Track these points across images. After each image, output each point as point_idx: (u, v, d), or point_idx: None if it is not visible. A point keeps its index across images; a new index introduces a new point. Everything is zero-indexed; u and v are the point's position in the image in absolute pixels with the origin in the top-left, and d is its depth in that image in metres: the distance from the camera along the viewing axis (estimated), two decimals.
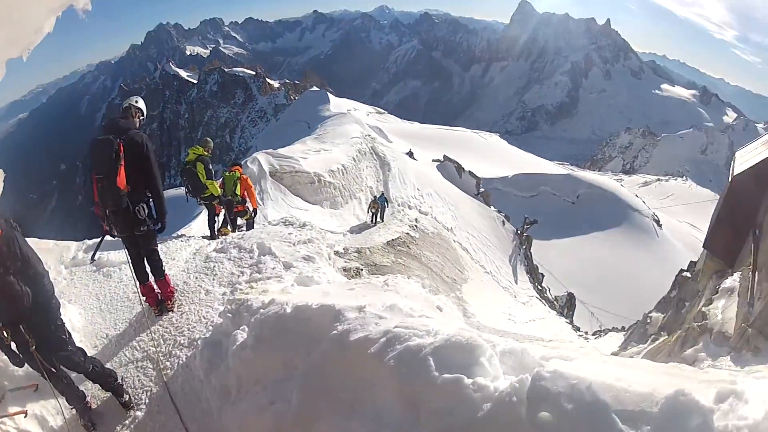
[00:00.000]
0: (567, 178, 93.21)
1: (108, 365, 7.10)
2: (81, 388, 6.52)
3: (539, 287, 50.30)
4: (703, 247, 13.85)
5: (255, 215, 17.92)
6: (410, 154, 70.03)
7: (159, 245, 9.02)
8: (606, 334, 33.60)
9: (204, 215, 22.20)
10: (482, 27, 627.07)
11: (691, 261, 23.13)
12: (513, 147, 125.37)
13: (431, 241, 36.38)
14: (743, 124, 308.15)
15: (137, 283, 8.42)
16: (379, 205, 36.59)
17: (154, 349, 7.65)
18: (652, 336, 16.21)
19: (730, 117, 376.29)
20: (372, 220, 36.35)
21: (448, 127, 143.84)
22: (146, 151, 7.32)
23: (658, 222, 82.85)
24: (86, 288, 9.96)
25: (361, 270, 17.01)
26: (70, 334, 6.11)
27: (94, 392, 6.94)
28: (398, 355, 4.14)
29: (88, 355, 6.47)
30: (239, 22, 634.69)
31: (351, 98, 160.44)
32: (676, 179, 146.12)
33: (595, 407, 3.10)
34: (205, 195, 14.81)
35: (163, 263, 8.76)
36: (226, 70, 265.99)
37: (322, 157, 44.13)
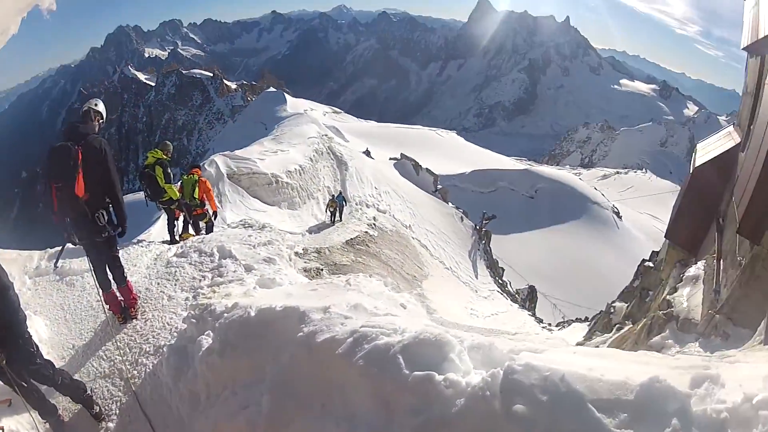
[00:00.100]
0: (525, 173, 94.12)
1: (76, 376, 7.04)
2: (52, 401, 6.41)
3: (500, 281, 50.64)
4: (665, 237, 13.98)
5: (215, 218, 17.80)
6: (367, 152, 70.07)
7: (119, 251, 8.85)
8: (570, 325, 33.69)
9: (163, 220, 21.97)
10: (440, 25, 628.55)
11: (653, 251, 23.37)
12: (470, 144, 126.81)
13: (390, 239, 36.66)
14: (705, 116, 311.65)
15: (100, 291, 8.33)
16: (337, 204, 36.79)
17: (121, 359, 7.57)
18: (617, 325, 16.34)
19: (691, 110, 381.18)
20: (331, 220, 36.44)
21: (405, 125, 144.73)
22: (104, 157, 7.22)
23: (618, 214, 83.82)
24: (50, 298, 9.79)
25: (322, 270, 17.03)
26: (37, 347, 6.00)
27: (65, 405, 6.81)
28: (367, 354, 4.15)
29: (57, 367, 6.34)
30: (198, 24, 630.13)
31: (308, 98, 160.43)
32: (635, 172, 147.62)
33: (570, 398, 3.13)
34: (164, 199, 14.71)
35: (125, 270, 8.69)
36: (184, 72, 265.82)
37: (279, 158, 44.03)
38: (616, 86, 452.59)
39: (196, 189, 16.24)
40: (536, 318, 39.79)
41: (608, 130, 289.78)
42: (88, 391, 6.70)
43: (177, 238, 15.42)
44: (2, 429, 6.02)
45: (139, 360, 7.50)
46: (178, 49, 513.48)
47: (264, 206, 35.87)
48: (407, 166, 66.54)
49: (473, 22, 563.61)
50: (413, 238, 43.16)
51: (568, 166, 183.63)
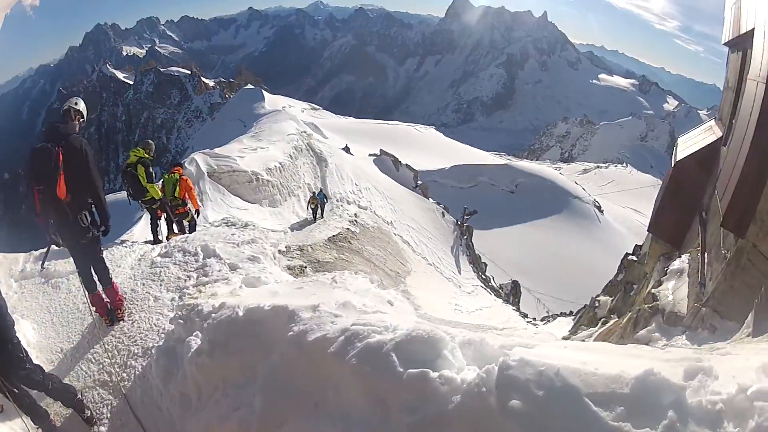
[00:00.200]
0: (505, 168, 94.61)
1: (66, 380, 7.01)
2: (43, 406, 6.34)
3: (483, 276, 50.65)
4: (648, 230, 14.05)
5: (198, 216, 17.78)
6: (346, 149, 70.11)
7: (104, 252, 8.83)
8: (554, 319, 33.66)
9: (145, 219, 22.04)
10: (417, 21, 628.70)
11: (636, 245, 23.47)
12: (449, 139, 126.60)
13: (372, 236, 36.62)
14: (685, 111, 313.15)
15: (86, 293, 8.29)
16: (318, 201, 36.69)
17: (110, 362, 7.54)
18: (602, 319, 16.40)
19: (671, 104, 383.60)
20: (312, 217, 36.38)
21: (384, 121, 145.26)
22: (85, 157, 7.19)
23: (599, 208, 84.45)
24: (37, 301, 9.74)
25: (305, 268, 16.94)
26: (26, 352, 5.94)
27: (56, 409, 6.76)
28: (359, 353, 4.15)
29: (46, 371, 6.28)
30: (175, 21, 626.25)
31: (286, 95, 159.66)
32: (616, 166, 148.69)
33: (566, 392, 3.13)
34: (147, 198, 14.64)
35: (110, 271, 8.66)
36: (162, 70, 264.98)
37: (259, 156, 43.81)
38: (594, 81, 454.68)
39: (177, 188, 16.19)
40: (521, 313, 39.65)
41: (588, 124, 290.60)
42: (79, 395, 6.64)
43: (162, 238, 15.38)
44: None
45: (128, 362, 7.50)
46: (156, 47, 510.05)
47: (245, 204, 35.77)
48: (387, 162, 66.61)
49: (450, 18, 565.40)
50: (395, 234, 43.17)
51: (548, 161, 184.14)
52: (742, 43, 8.56)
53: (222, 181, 35.87)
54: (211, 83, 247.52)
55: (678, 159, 11.72)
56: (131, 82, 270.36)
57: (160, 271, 10.09)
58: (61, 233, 7.47)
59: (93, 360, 7.75)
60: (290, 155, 46.75)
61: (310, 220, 35.81)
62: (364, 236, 34.51)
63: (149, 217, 16.02)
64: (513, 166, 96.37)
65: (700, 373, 3.20)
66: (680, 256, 10.41)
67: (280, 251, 16.00)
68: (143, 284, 9.69)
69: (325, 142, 64.51)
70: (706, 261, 8.04)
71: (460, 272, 46.63)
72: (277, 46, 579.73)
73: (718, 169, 9.14)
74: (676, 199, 11.87)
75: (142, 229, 22.90)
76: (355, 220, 36.35)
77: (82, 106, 7.77)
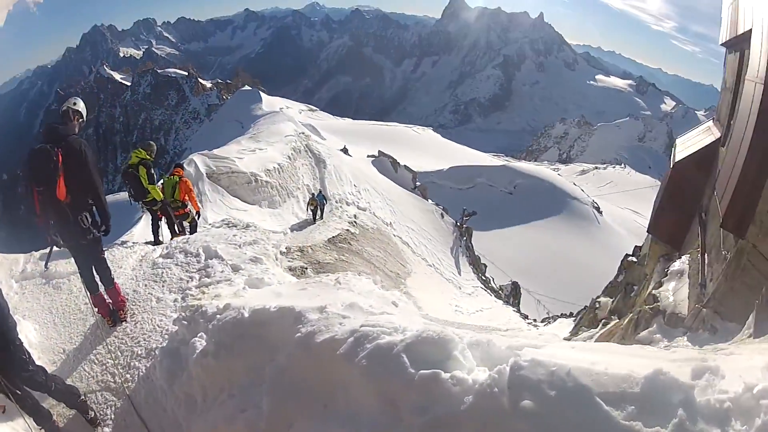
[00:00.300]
0: (503, 169, 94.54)
1: (69, 381, 6.97)
2: (46, 407, 6.35)
3: (483, 277, 50.61)
4: (647, 232, 14.04)
5: (198, 218, 17.72)
6: (345, 150, 69.85)
7: (105, 253, 8.76)
8: (555, 320, 33.55)
9: (145, 220, 22.25)
10: (414, 22, 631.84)
11: (636, 246, 23.48)
12: (447, 140, 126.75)
13: (371, 237, 36.60)
14: (683, 111, 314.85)
15: (88, 293, 8.29)
16: (317, 202, 36.73)
17: (113, 362, 7.53)
18: (603, 320, 16.38)
19: (668, 105, 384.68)
20: (312, 218, 36.39)
21: (381, 122, 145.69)
22: (85, 158, 7.16)
23: (598, 209, 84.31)
24: (38, 302, 9.72)
25: (306, 269, 16.98)
26: (29, 353, 5.93)
27: (59, 410, 6.74)
28: (369, 354, 4.14)
29: (49, 372, 6.28)
30: (172, 22, 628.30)
31: (283, 96, 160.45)
32: (614, 167, 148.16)
33: (577, 392, 3.14)
34: (148, 200, 14.71)
35: (112, 271, 8.64)
36: (159, 71, 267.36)
37: (257, 157, 43.67)
38: (592, 82, 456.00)
39: (177, 190, 16.22)
40: (521, 314, 39.64)
41: (585, 125, 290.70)
42: (82, 396, 6.65)
43: (162, 239, 15.30)
44: None
45: (132, 363, 7.48)
46: (153, 48, 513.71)
47: (245, 205, 35.67)
48: (385, 164, 66.51)
49: (446, 19, 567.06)
50: (395, 235, 43.12)
51: (546, 162, 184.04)
52: (739, 44, 8.56)
53: (221, 183, 35.77)
54: (208, 84, 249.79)
55: (677, 160, 11.72)
56: (128, 84, 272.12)
57: (162, 272, 10.06)
58: (61, 234, 7.47)
59: (96, 361, 7.74)
60: (289, 156, 46.58)
61: (309, 222, 35.82)
62: (363, 237, 34.51)
63: (150, 218, 16.03)
64: (511, 167, 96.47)
65: (707, 373, 3.22)
66: (680, 258, 10.41)
67: (281, 252, 15.98)
68: (145, 285, 9.67)
69: (324, 144, 64.44)
70: (706, 262, 8.04)
71: (460, 273, 46.58)
72: (273, 47, 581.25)
73: (717, 170, 9.15)
74: (676, 200, 11.87)
75: (142, 230, 22.77)
76: (355, 222, 36.35)
77: (81, 106, 7.74)
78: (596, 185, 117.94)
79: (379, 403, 3.97)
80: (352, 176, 51.95)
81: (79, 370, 7.62)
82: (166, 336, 7.56)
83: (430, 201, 61.11)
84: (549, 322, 33.22)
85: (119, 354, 7.73)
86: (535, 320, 37.20)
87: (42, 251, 11.54)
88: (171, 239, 15.20)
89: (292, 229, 32.78)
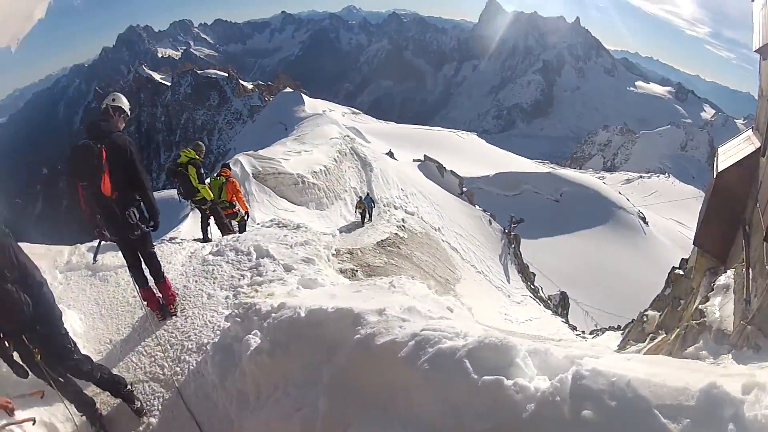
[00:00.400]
0: (549, 176, 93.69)
1: (115, 371, 7.04)
2: (89, 395, 6.47)
3: (532, 286, 50.17)
4: (693, 244, 13.83)
5: (247, 218, 17.75)
6: (390, 154, 69.93)
7: (155, 247, 8.81)
8: (603, 333, 33.03)
9: (191, 217, 22.61)
10: (451, 26, 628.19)
11: (682, 258, 23.21)
12: (491, 146, 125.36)
13: (420, 241, 36.31)
14: (722, 120, 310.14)
15: (137, 287, 8.33)
16: (365, 205, 36.65)
17: (162, 355, 7.56)
18: (651, 335, 16.18)
19: (708, 113, 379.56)
20: (361, 221, 36.35)
21: (425, 126, 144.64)
22: (130, 155, 7.14)
23: (644, 219, 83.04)
24: (84, 293, 9.82)
25: (356, 271, 16.78)
26: (74, 343, 6.05)
27: (103, 399, 6.85)
28: (431, 358, 4.10)
29: (95, 362, 6.40)
30: (208, 24, 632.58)
31: (325, 99, 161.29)
32: (658, 176, 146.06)
33: (637, 403, 3.12)
34: (197, 199, 14.75)
35: (162, 265, 8.66)
36: (199, 72, 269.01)
37: (303, 158, 43.75)
38: (631, 88, 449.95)
39: (224, 190, 16.36)
40: (570, 325, 39.52)
41: (628, 133, 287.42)
42: (129, 386, 6.74)
43: (211, 237, 15.48)
44: (33, 420, 5.99)
45: (182, 357, 7.51)
46: (191, 49, 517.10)
47: (292, 206, 35.78)
48: (431, 168, 66.48)
49: (484, 23, 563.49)
50: (443, 240, 42.80)
51: (591, 170, 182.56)
52: None
53: (267, 183, 35.95)
54: (249, 86, 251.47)
55: (719, 170, 11.54)
56: (168, 84, 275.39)
57: (213, 269, 10.12)
58: (109, 228, 7.46)
59: (144, 353, 7.82)
60: (335, 159, 46.76)
61: (358, 224, 35.89)
62: (412, 242, 34.42)
63: (199, 216, 16.21)
64: (557, 175, 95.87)
65: (755, 388, 3.18)
66: (726, 271, 10.27)
67: (332, 254, 16.06)
68: (195, 281, 9.74)
69: (369, 147, 64.44)
70: (750, 276, 7.92)
71: (509, 281, 46.32)
72: (312, 50, 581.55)
73: (759, 181, 9.00)
74: (720, 211, 11.68)
75: (189, 227, 23.01)
76: (403, 226, 36.27)
77: (121, 101, 7.64)
78: (641, 194, 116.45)
79: (440, 408, 3.93)
80: (398, 180, 52.02)
81: (126, 361, 7.74)
82: (218, 332, 7.61)
83: (477, 207, 60.87)
84: (597, 335, 32.86)
85: (169, 347, 7.79)
86: (583, 332, 36.87)
87: (88, 244, 11.78)
88: (221, 237, 15.29)
89: (340, 231, 32.74)
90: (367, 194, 40.63)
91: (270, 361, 5.66)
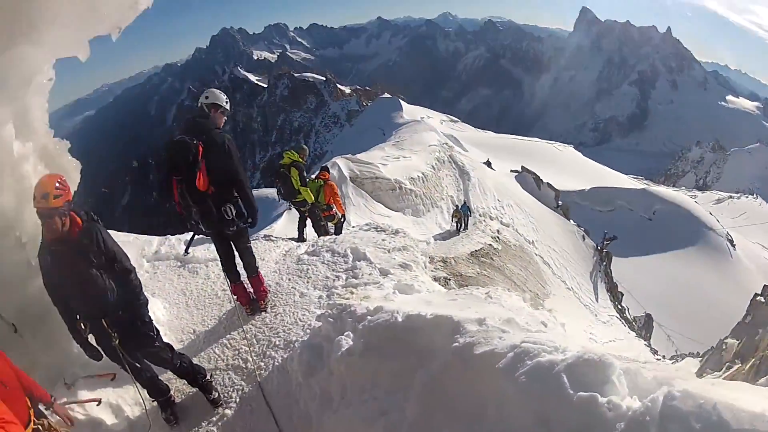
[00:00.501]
0: (642, 193, 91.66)
1: (195, 361, 7.12)
2: (163, 381, 6.56)
3: (619, 306, 49.85)
4: None
5: (344, 221, 17.86)
6: (488, 163, 70.02)
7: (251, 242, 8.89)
8: (682, 359, 32.92)
9: (287, 217, 23.32)
10: (547, 34, 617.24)
11: (765, 285, 22.67)
12: (587, 159, 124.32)
13: (513, 254, 36.65)
14: None
15: (228, 281, 8.44)
16: (461, 214, 36.84)
17: (248, 349, 7.62)
18: (727, 363, 15.85)
19: None
20: (456, 229, 36.44)
21: (523, 137, 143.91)
22: (228, 152, 7.15)
23: (731, 242, 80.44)
24: (171, 283, 10.03)
25: (449, 280, 16.91)
26: (157, 331, 6.13)
27: (178, 386, 6.99)
28: (529, 371, 4.02)
29: (176, 351, 6.49)
30: (304, 28, 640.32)
31: (422, 105, 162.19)
32: (747, 197, 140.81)
33: (720, 427, 3.10)
34: (298, 200, 14.98)
35: (257, 260, 8.70)
36: (296, 75, 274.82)
37: (401, 164, 44.30)
38: (722, 103, 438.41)
39: (322, 193, 16.43)
40: (651, 349, 39.35)
41: (719, 150, 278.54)
42: (208, 377, 6.85)
43: (306, 237, 15.70)
44: (99, 401, 6.14)
45: (267, 352, 7.57)
46: (288, 53, 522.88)
47: (388, 211, 36.20)
48: (529, 180, 66.32)
49: (579, 32, 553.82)
50: (536, 254, 43.08)
51: (683, 188, 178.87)
52: None
53: (365, 187, 36.49)
54: (347, 90, 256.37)
55: None
56: (265, 86, 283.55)
57: (308, 269, 10.11)
58: (204, 223, 7.53)
59: (228, 345, 7.94)
60: (433, 166, 47.30)
61: (452, 233, 36.05)
62: (505, 254, 34.73)
63: (295, 215, 16.68)
64: (651, 192, 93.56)
65: None
66: None
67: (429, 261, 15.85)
68: (289, 279, 9.76)
69: (467, 155, 64.83)
70: None
71: (597, 300, 46.19)
72: (410, 56, 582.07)
73: None
74: None
75: (282, 225, 23.56)
76: (498, 237, 36.59)
77: (216, 97, 7.68)
78: (731, 216, 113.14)
79: (531, 421, 3.88)
80: (495, 190, 52.24)
81: (208, 352, 7.89)
82: (308, 330, 7.59)
83: (571, 221, 60.55)
84: (677, 360, 32.77)
85: (255, 342, 7.84)
86: (663, 356, 36.98)
87: (178, 236, 12.19)
88: (318, 238, 15.29)
89: (435, 239, 33.04)
90: (464, 203, 40.90)
91: (361, 363, 5.66)
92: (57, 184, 5.05)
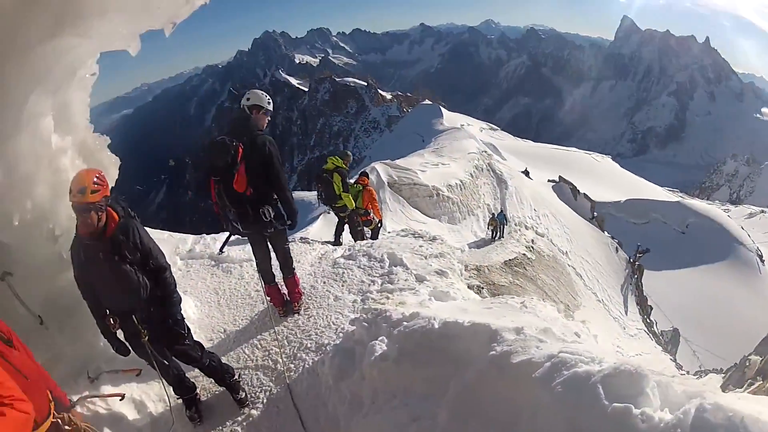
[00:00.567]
0: (677, 205, 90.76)
1: (224, 360, 7.13)
2: (190, 379, 6.59)
3: (648, 320, 49.40)
4: None
5: (381, 226, 17.93)
6: (526, 172, 69.88)
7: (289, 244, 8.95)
8: (706, 375, 32.71)
9: (323, 220, 23.65)
10: (588, 43, 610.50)
11: None
12: (624, 170, 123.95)
13: (547, 264, 36.50)
14: None
15: (262, 282, 8.40)
16: (497, 222, 36.84)
17: (278, 350, 7.64)
18: (749, 380, 15.75)
19: None
20: (491, 237, 36.57)
21: (561, 146, 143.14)
22: (269, 155, 7.15)
23: (761, 257, 78.80)
24: (204, 281, 10.18)
25: (482, 289, 16.83)
26: (188, 328, 6.13)
27: (205, 384, 7.04)
28: (566, 381, 4.01)
29: (206, 349, 6.51)
30: (347, 33, 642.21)
31: (463, 113, 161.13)
32: None
33: None
34: (338, 205, 15.08)
35: (294, 261, 8.72)
36: (337, 79, 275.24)
37: (440, 171, 44.41)
38: (758, 115, 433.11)
39: (360, 198, 16.45)
40: (677, 364, 39.01)
41: (754, 164, 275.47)
42: (236, 377, 6.87)
43: (342, 241, 15.78)
44: (122, 396, 6.14)
45: (298, 354, 7.57)
46: (330, 57, 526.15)
47: (424, 218, 36.32)
48: (565, 190, 66.19)
49: (619, 41, 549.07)
50: (569, 265, 42.87)
51: (717, 201, 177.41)
52: None
53: (402, 193, 36.71)
54: (388, 96, 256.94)
55: None
56: (306, 89, 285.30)
57: (343, 273, 10.10)
58: (242, 223, 7.52)
59: (259, 346, 7.98)
60: (471, 174, 47.47)
61: (487, 241, 36.16)
62: (539, 264, 34.60)
63: (332, 219, 17.14)
64: (684, 205, 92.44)
65: None
66: None
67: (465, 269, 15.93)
68: (324, 282, 9.77)
69: (505, 164, 65.12)
70: None
71: (626, 313, 45.80)
72: (452, 63, 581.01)
73: None
74: None
75: (318, 229, 23.79)
76: (532, 246, 36.47)
77: (258, 98, 7.77)
78: (762, 230, 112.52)
79: (564, 431, 3.88)
80: (532, 200, 52.12)
81: (238, 351, 7.95)
82: (341, 334, 7.53)
83: (606, 233, 60.22)
84: (700, 376, 32.51)
85: (286, 343, 7.86)
86: (687, 372, 36.45)
87: (213, 235, 12.33)
88: (355, 243, 15.32)
89: (469, 247, 33.14)
90: (501, 211, 40.93)
91: (394, 369, 5.64)
92: (95, 179, 5.08)
